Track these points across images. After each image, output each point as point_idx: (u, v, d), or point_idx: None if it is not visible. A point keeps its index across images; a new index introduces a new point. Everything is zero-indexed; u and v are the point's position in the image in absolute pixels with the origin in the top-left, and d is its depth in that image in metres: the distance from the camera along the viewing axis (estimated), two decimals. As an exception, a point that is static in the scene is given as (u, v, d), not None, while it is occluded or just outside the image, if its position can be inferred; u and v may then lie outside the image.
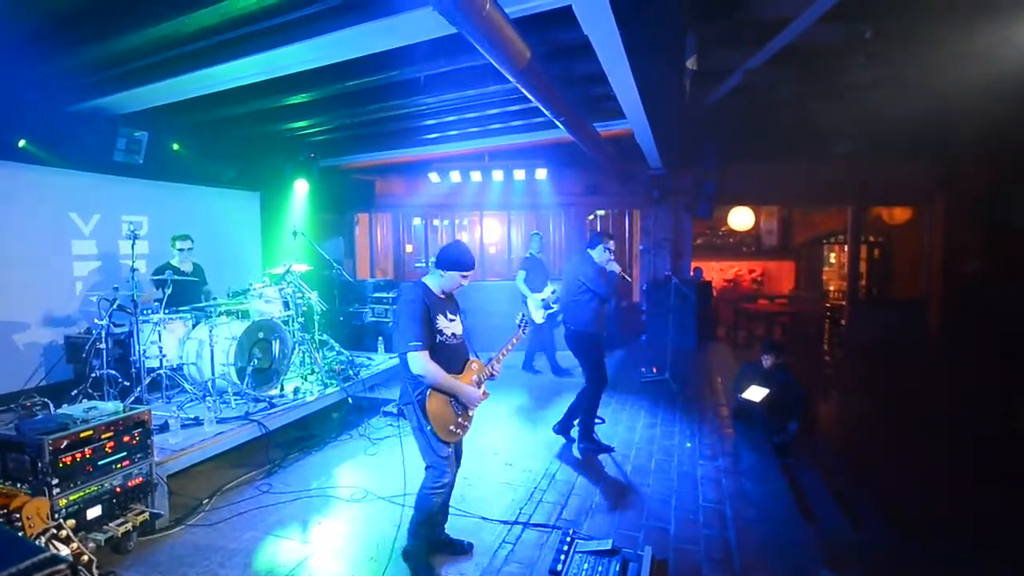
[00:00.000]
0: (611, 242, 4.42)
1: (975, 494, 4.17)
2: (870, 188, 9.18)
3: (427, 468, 2.78)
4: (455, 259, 2.76)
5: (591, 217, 10.53)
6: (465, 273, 2.78)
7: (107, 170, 5.67)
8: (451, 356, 2.76)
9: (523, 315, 3.39)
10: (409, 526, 2.85)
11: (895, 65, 5.75)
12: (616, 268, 4.39)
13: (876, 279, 11.00)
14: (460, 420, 2.77)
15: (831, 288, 12.22)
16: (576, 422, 4.57)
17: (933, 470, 4.64)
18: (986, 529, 3.62)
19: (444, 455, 2.73)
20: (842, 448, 5.23)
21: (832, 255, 12.66)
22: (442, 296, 2.82)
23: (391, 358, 6.33)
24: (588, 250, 4.44)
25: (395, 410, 5.33)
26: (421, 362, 2.60)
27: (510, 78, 3.85)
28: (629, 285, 10.59)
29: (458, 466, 3.00)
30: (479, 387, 2.86)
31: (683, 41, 4.75)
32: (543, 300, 5.98)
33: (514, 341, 3.15)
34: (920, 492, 4.21)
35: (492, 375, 2.95)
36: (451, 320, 2.80)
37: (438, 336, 2.70)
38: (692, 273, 9.69)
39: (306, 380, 5.13)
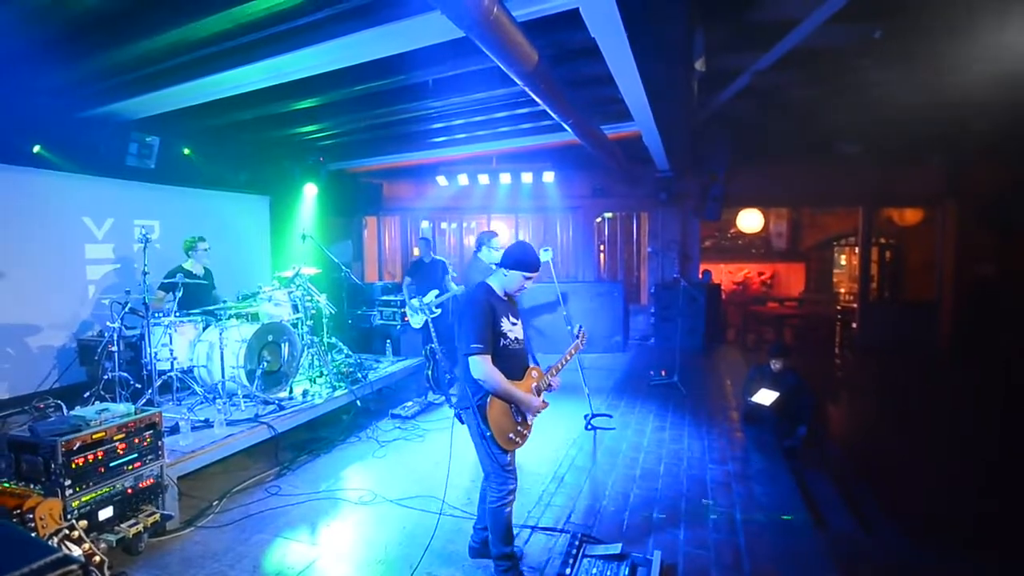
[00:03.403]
0: (495, 239, 4.57)
1: (989, 499, 4.10)
2: (881, 190, 9.10)
3: (487, 477, 2.67)
4: (519, 259, 2.65)
5: (598, 220, 10.52)
6: (529, 274, 2.67)
7: (120, 175, 5.75)
8: (513, 362, 2.64)
9: (580, 325, 3.23)
10: (492, 549, 2.70)
11: (905, 66, 5.70)
12: None
13: (887, 281, 10.90)
14: (520, 429, 2.64)
15: (842, 290, 12.14)
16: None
17: (946, 474, 4.58)
18: (1000, 534, 3.56)
19: (505, 463, 2.61)
20: (853, 452, 5.17)
21: (842, 257, 12.58)
22: (504, 297, 2.71)
23: (399, 361, 6.35)
24: (476, 253, 4.61)
25: (404, 412, 5.35)
26: (483, 367, 2.49)
27: (518, 81, 3.86)
28: (637, 287, 10.56)
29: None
30: (538, 395, 2.72)
31: (691, 43, 4.75)
32: (426, 304, 5.82)
33: (571, 351, 3.01)
34: (933, 497, 4.15)
35: (551, 386, 2.80)
36: (514, 324, 2.69)
37: (501, 340, 2.60)
38: (701, 276, 9.65)
39: (315, 383, 5.16)
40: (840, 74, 6.06)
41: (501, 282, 2.69)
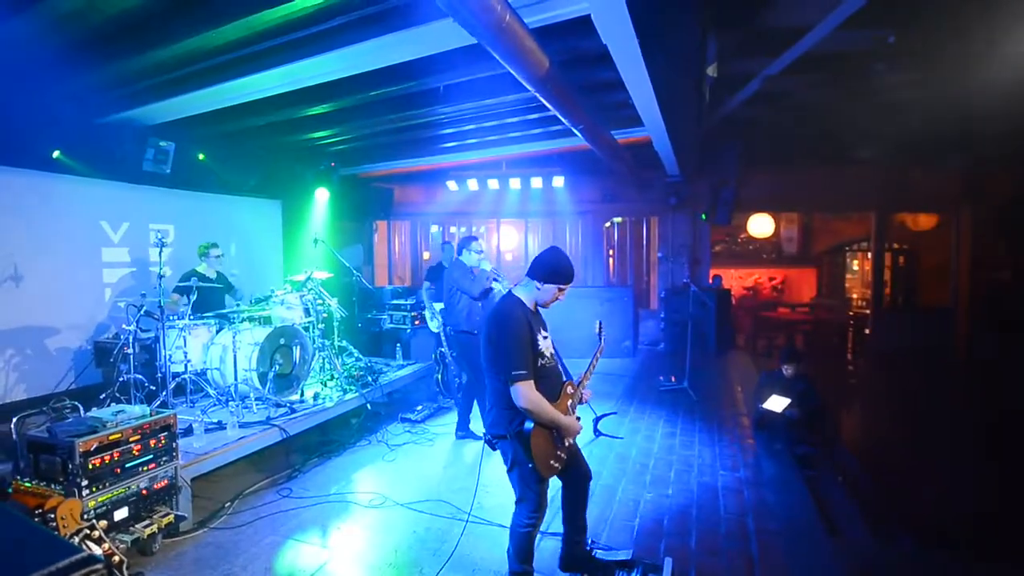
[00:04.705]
0: (475, 243, 4.67)
1: (1004, 507, 4.04)
2: (894, 194, 9.01)
3: (519, 502, 2.51)
4: (554, 269, 2.43)
5: (608, 224, 10.51)
6: (563, 286, 2.45)
7: (136, 179, 5.83)
8: (550, 381, 2.45)
9: (600, 322, 3.06)
10: (509, 564, 2.59)
11: (919, 69, 5.66)
12: (488, 266, 4.61)
13: (901, 287, 10.78)
14: (559, 453, 2.44)
15: (854, 296, 12.02)
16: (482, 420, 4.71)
17: (960, 482, 4.51)
18: (1017, 543, 3.50)
19: (541, 490, 2.47)
20: (866, 459, 5.11)
21: (855, 262, 12.45)
22: (534, 310, 2.51)
23: (408, 365, 6.37)
24: (458, 256, 4.77)
25: (415, 416, 5.36)
26: (529, 395, 2.28)
27: (529, 87, 3.88)
28: (647, 292, 10.53)
29: (591, 476, 2.80)
30: (572, 413, 2.56)
31: (703, 48, 4.75)
32: (443, 310, 5.86)
33: (598, 355, 2.87)
34: (947, 505, 4.10)
35: (583, 400, 2.65)
36: (545, 338, 2.50)
37: (539, 360, 2.40)
38: (711, 281, 9.60)
39: (326, 386, 5.19)
40: (853, 78, 6.03)
41: (532, 295, 2.47)
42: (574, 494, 2.76)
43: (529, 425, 2.34)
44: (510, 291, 2.55)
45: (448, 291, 4.80)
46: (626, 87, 4.51)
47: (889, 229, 10.10)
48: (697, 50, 4.71)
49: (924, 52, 5.29)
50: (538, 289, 2.46)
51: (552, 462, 2.43)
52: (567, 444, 2.51)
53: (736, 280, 12.88)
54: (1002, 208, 8.37)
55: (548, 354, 2.48)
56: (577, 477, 2.73)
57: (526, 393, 2.28)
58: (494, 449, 2.52)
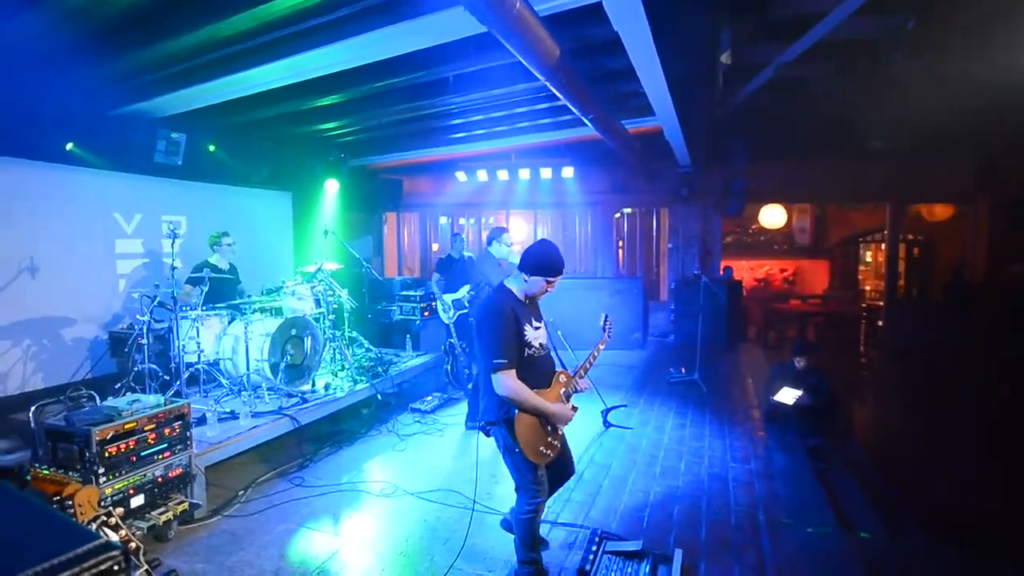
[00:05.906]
0: (506, 235, 4.69)
1: (1014, 504, 3.98)
2: (910, 185, 8.85)
3: (517, 490, 2.57)
4: (541, 262, 2.46)
5: (617, 215, 10.44)
6: (551, 278, 2.48)
7: (148, 171, 5.88)
8: (539, 370, 2.50)
9: (606, 315, 3.05)
10: (517, 554, 2.64)
11: (937, 58, 5.53)
12: (515, 259, 4.56)
13: (915, 279, 10.63)
14: (550, 440, 2.49)
15: (867, 288, 11.87)
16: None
17: (974, 476, 4.46)
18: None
19: (536, 477, 2.49)
20: (879, 453, 5.06)
21: (868, 254, 12.29)
22: (526, 302, 2.55)
23: (418, 355, 6.40)
24: (487, 248, 4.77)
25: (424, 406, 5.39)
26: (509, 383, 2.34)
27: (539, 76, 3.85)
28: (657, 283, 10.48)
29: (573, 472, 2.84)
30: (567, 401, 2.58)
31: (717, 36, 4.68)
32: (455, 300, 5.86)
33: (600, 347, 2.88)
34: (961, 498, 4.05)
35: (578, 389, 2.66)
36: (537, 328, 2.53)
37: (526, 350, 2.44)
38: (722, 272, 9.52)
39: (336, 376, 5.22)
40: (869, 67, 5.91)
41: (522, 286, 2.52)
42: (548, 484, 2.76)
43: (516, 411, 2.39)
44: (502, 282, 2.60)
45: (475, 284, 4.80)
46: (637, 75, 4.45)
47: (904, 220, 9.94)
48: (710, 37, 4.64)
49: (941, 42, 5.17)
50: (526, 281, 2.50)
51: (542, 448, 2.46)
52: (559, 432, 2.56)
53: (747, 271, 12.77)
54: (1016, 202, 8.20)
55: (537, 344, 2.51)
56: (559, 468, 2.72)
57: (505, 382, 2.34)
58: (488, 435, 2.57)
